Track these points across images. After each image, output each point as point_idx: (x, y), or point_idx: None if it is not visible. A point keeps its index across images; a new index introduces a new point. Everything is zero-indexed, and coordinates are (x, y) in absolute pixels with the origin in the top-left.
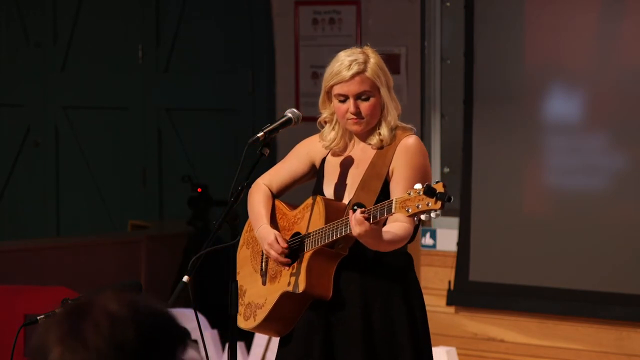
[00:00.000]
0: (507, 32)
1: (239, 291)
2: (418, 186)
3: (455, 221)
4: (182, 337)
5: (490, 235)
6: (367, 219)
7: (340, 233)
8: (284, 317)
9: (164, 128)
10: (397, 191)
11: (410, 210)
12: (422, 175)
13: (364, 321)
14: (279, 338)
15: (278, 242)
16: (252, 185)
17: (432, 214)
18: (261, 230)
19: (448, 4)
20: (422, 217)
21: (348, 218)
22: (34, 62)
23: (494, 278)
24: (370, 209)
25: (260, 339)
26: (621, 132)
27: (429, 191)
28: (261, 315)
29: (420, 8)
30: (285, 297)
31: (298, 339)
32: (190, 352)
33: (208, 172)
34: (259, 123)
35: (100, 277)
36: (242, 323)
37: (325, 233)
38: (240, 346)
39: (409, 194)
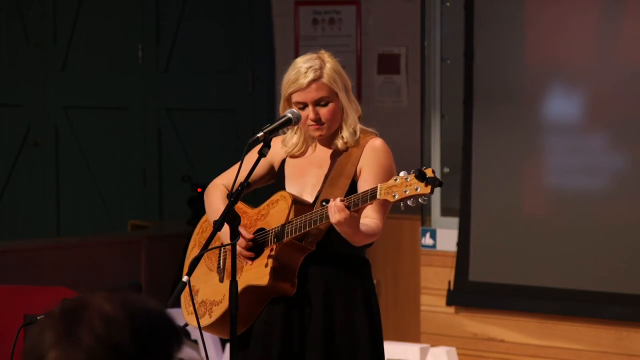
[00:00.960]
0: (507, 32)
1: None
2: (403, 173)
3: (455, 221)
4: (178, 337)
5: (490, 235)
6: (348, 207)
7: (313, 224)
8: (240, 314)
9: (164, 128)
10: (364, 188)
11: (397, 196)
12: (390, 174)
13: (325, 320)
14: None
15: (242, 236)
16: (209, 185)
17: (420, 199)
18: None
19: (448, 4)
20: (409, 202)
21: (321, 210)
22: (34, 62)
23: (494, 278)
24: (351, 197)
25: None
26: (621, 132)
27: (420, 175)
28: (218, 311)
29: (420, 8)
30: (246, 291)
31: (256, 340)
32: (189, 352)
33: (208, 172)
34: (259, 123)
35: (100, 277)
36: (194, 321)
37: (296, 225)
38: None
39: (395, 179)
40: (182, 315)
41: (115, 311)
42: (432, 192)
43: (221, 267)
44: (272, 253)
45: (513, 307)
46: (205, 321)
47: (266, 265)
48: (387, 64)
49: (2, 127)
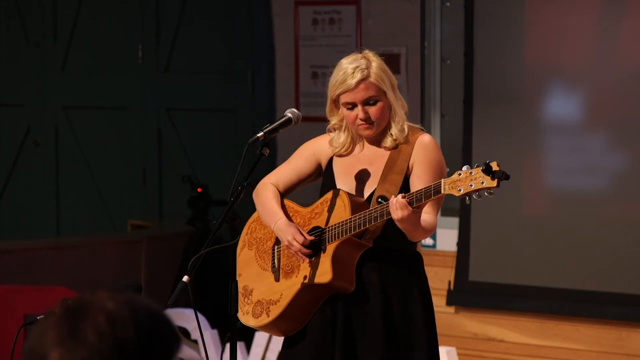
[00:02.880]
0: (507, 32)
1: (243, 291)
2: (466, 167)
3: (455, 221)
4: (178, 337)
5: (490, 235)
6: (410, 204)
7: (374, 221)
8: (297, 314)
9: (164, 128)
10: (417, 184)
11: (462, 190)
12: (441, 169)
13: (384, 313)
14: (282, 339)
15: (301, 234)
16: (258, 185)
17: (487, 193)
18: (280, 224)
19: (448, 4)
20: (475, 196)
21: (380, 207)
22: (33, 62)
23: (494, 278)
24: (412, 193)
25: (260, 339)
26: (621, 132)
27: (487, 169)
28: (276, 310)
29: (420, 8)
30: (305, 289)
31: (311, 337)
32: (189, 352)
33: (208, 172)
34: (259, 123)
35: (100, 277)
36: (252, 321)
37: (356, 222)
38: (240, 346)
39: (459, 174)
40: (238, 315)
41: (119, 308)
42: (498, 185)
43: (276, 266)
44: (332, 251)
45: (513, 307)
46: (262, 320)
47: (326, 263)
48: (387, 64)
49: (2, 127)
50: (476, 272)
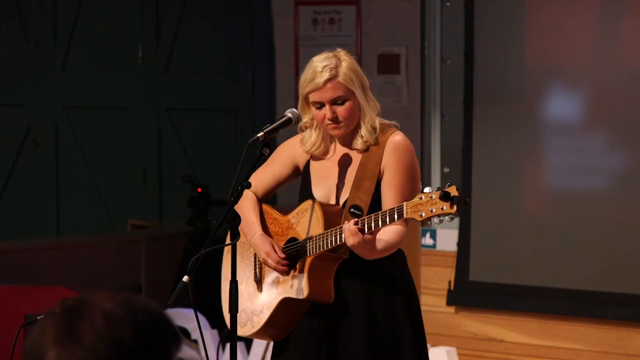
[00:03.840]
0: (507, 32)
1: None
2: (428, 190)
3: (455, 221)
4: (177, 337)
5: (490, 235)
6: (361, 230)
7: (337, 241)
8: (282, 323)
9: (164, 128)
10: (388, 190)
11: (423, 215)
12: (412, 173)
13: (369, 326)
14: (272, 343)
15: (275, 252)
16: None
17: (447, 218)
18: (255, 239)
19: (448, 4)
20: (436, 220)
21: (338, 230)
22: (33, 62)
23: (494, 278)
24: (364, 219)
25: (260, 340)
26: (621, 132)
27: (445, 196)
28: (260, 321)
29: (420, 8)
30: (285, 302)
31: (296, 346)
32: (189, 352)
33: (208, 172)
34: (259, 123)
35: (100, 277)
36: (239, 330)
37: (326, 239)
38: (240, 346)
39: (420, 198)
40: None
41: (116, 309)
42: (458, 210)
43: (258, 276)
44: (307, 265)
45: (513, 307)
46: (248, 330)
47: (303, 279)
48: (387, 64)
49: (2, 127)
50: (476, 272)
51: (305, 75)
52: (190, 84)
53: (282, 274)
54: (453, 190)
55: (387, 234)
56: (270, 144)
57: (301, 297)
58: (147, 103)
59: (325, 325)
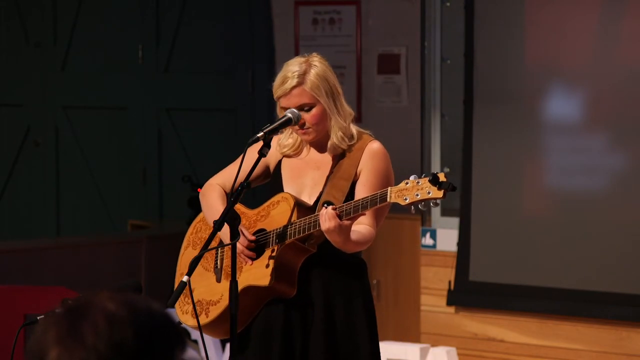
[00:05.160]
0: (507, 32)
1: (185, 291)
2: (414, 177)
3: (455, 221)
4: (181, 338)
5: (490, 235)
6: (339, 216)
7: (317, 226)
8: (239, 314)
9: (164, 128)
10: (361, 191)
11: (408, 199)
12: (387, 179)
13: (326, 320)
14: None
15: (244, 235)
16: (205, 186)
17: (432, 203)
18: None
19: (448, 4)
20: (420, 206)
21: (313, 216)
22: (34, 62)
23: (494, 278)
24: (342, 205)
25: None
26: (621, 132)
27: (434, 180)
28: (215, 311)
29: (420, 8)
30: (246, 291)
31: (256, 339)
32: (189, 352)
33: (208, 172)
34: (259, 123)
35: (100, 277)
36: (191, 320)
37: (299, 227)
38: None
39: (406, 183)
40: (177, 314)
41: (118, 310)
42: (444, 196)
43: (219, 267)
44: (274, 254)
45: (513, 307)
46: (201, 321)
47: (267, 266)
48: (387, 64)
49: (2, 127)
50: (476, 272)
51: (277, 79)
52: (190, 84)
53: (247, 260)
54: (442, 176)
55: (360, 229)
56: (270, 144)
57: (264, 284)
58: (147, 103)
59: (282, 323)
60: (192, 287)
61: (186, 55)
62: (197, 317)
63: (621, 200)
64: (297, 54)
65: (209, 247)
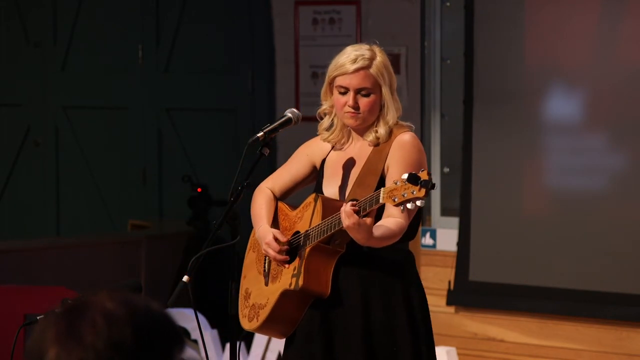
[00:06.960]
0: (507, 32)
1: (245, 294)
2: (405, 176)
3: (455, 221)
4: (180, 337)
5: (490, 235)
6: (357, 212)
7: (334, 228)
8: (285, 317)
9: (164, 128)
10: None
11: (396, 200)
12: (417, 170)
13: (364, 319)
14: (284, 340)
15: (276, 240)
16: (256, 190)
17: (418, 202)
18: (260, 231)
19: (448, 4)
20: (409, 205)
21: (336, 216)
22: (34, 62)
23: (494, 278)
24: (361, 201)
25: (260, 339)
26: (621, 132)
27: (412, 179)
28: (263, 315)
29: (420, 8)
30: (284, 295)
31: (300, 339)
32: (190, 352)
33: (208, 172)
34: (259, 123)
35: (100, 277)
36: (247, 324)
37: (320, 229)
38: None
39: (396, 183)
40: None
41: (117, 309)
42: (426, 194)
43: (266, 270)
44: (305, 257)
45: (513, 307)
46: (253, 325)
47: (298, 270)
48: None
49: (2, 127)
50: (476, 272)
51: (337, 60)
52: (190, 84)
53: (282, 265)
54: (423, 175)
55: (387, 223)
56: (270, 144)
57: (295, 289)
58: (147, 103)
59: (324, 319)
60: (250, 290)
61: (186, 55)
62: (197, 317)
63: (621, 200)
64: (297, 54)
65: (210, 247)
